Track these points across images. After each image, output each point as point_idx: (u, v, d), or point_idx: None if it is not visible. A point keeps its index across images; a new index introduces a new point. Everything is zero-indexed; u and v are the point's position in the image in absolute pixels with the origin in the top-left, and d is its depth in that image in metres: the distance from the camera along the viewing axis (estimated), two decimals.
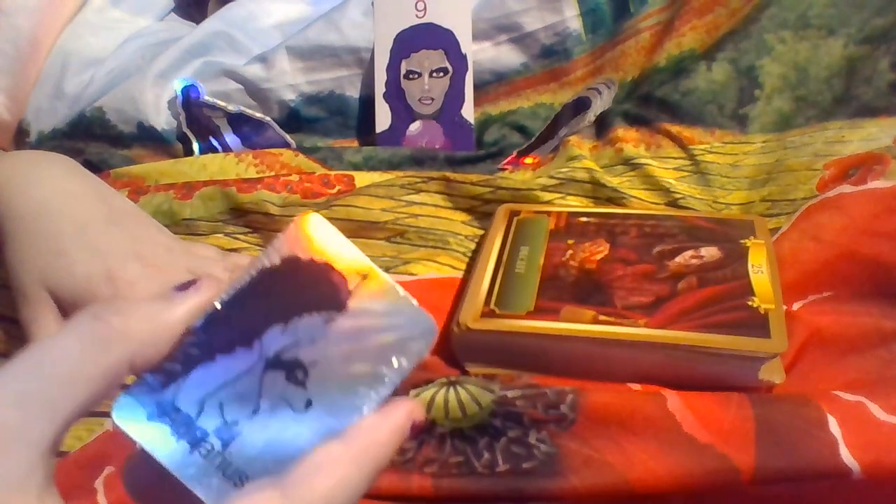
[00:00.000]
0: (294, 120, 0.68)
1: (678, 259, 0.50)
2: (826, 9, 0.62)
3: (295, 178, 0.59)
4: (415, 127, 0.67)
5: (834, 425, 0.38)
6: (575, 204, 0.59)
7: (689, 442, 0.38)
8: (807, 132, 0.59)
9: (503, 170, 0.63)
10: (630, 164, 0.61)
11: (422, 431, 0.40)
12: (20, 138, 0.68)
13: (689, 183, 0.60)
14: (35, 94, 0.68)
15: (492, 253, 0.53)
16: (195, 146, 0.67)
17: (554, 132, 0.68)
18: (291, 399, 0.25)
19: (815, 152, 0.57)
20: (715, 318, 0.45)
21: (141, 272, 0.48)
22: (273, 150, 0.64)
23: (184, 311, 0.25)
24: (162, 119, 0.67)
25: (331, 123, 0.69)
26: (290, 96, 0.68)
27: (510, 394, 0.40)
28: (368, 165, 0.63)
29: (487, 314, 0.47)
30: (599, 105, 0.67)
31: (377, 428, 0.24)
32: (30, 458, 0.22)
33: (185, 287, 0.26)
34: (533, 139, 0.67)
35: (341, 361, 0.25)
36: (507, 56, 0.68)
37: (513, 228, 0.55)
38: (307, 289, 0.26)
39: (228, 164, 0.62)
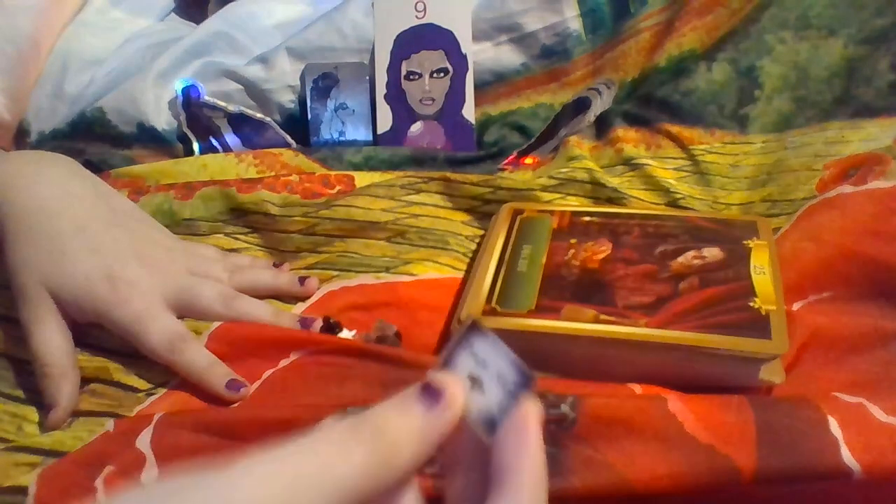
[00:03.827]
0: (294, 120, 0.68)
1: (680, 259, 0.50)
2: (826, 9, 0.62)
3: (295, 178, 0.59)
4: (416, 128, 0.67)
5: (835, 426, 0.37)
6: (576, 204, 0.59)
7: (690, 442, 0.38)
8: (807, 132, 0.59)
9: (503, 170, 0.63)
10: (630, 165, 0.61)
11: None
12: (21, 138, 0.68)
13: (689, 183, 0.60)
14: (35, 94, 0.68)
15: (494, 251, 0.53)
16: (195, 146, 0.67)
17: (554, 132, 0.68)
18: None
19: (815, 153, 0.57)
20: (716, 318, 0.45)
21: (141, 272, 0.48)
22: (273, 151, 0.64)
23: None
24: (162, 119, 0.67)
25: None
26: (290, 97, 0.68)
27: None
28: (368, 165, 0.63)
29: (489, 312, 0.47)
30: (599, 105, 0.67)
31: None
32: None
33: (431, 395, 0.26)
34: (533, 139, 0.67)
35: None
36: (507, 56, 0.68)
37: (516, 227, 0.55)
38: None
39: (229, 165, 0.62)
